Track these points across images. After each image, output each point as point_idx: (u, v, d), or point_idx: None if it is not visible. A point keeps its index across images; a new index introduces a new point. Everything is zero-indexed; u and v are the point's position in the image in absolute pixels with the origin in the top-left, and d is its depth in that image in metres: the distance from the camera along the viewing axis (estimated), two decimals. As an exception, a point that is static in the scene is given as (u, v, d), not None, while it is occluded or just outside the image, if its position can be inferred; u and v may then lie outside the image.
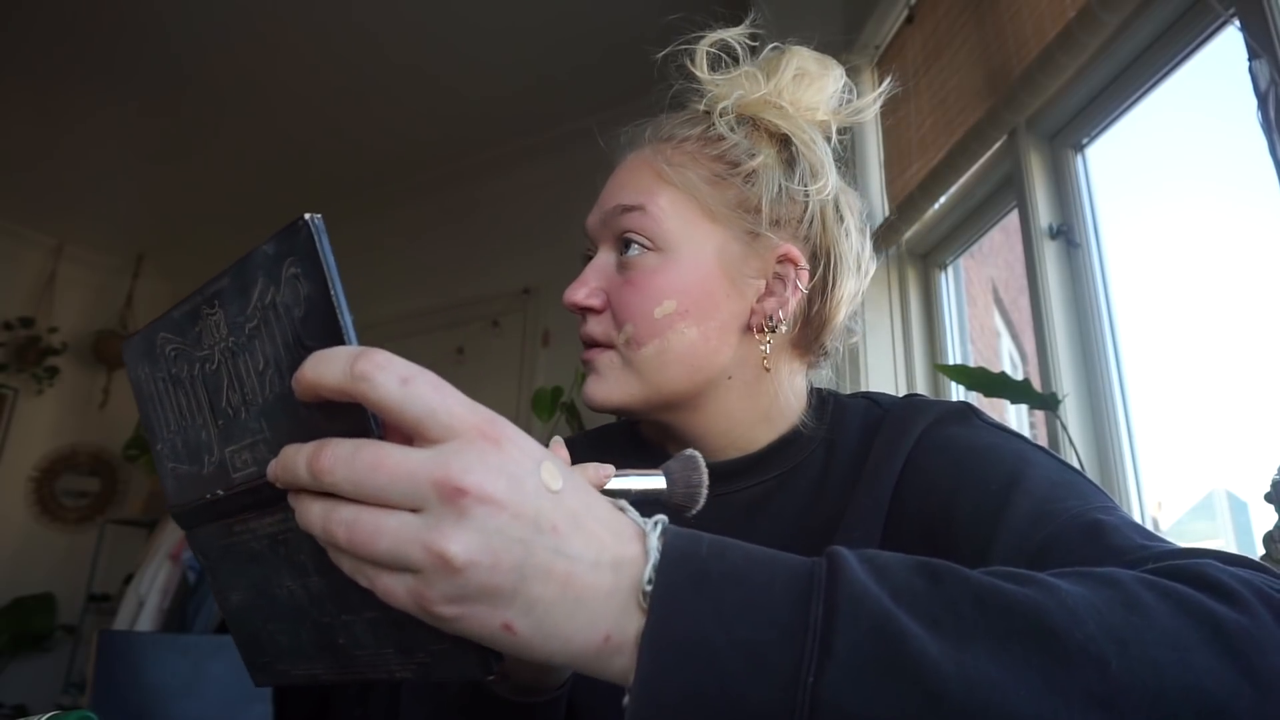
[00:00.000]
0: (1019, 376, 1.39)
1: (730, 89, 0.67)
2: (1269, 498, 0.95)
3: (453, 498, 0.31)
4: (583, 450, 0.74)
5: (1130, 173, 1.56)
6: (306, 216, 0.34)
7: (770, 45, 0.69)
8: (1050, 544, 0.46)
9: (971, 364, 1.60)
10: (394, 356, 0.32)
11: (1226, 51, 1.18)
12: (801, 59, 0.67)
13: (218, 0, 2.68)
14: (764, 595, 0.33)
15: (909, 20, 1.94)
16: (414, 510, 0.32)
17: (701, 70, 0.67)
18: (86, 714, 0.53)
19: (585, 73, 2.97)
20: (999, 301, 2.34)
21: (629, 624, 0.33)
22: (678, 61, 0.68)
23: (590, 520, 0.34)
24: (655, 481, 0.50)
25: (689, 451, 0.52)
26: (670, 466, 0.51)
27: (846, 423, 0.66)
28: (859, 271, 0.68)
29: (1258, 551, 0.96)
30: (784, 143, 0.66)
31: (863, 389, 0.71)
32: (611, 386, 0.63)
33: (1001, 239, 2.12)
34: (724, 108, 0.66)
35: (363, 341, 0.34)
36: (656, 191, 0.63)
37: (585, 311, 0.64)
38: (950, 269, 1.96)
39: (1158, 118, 1.42)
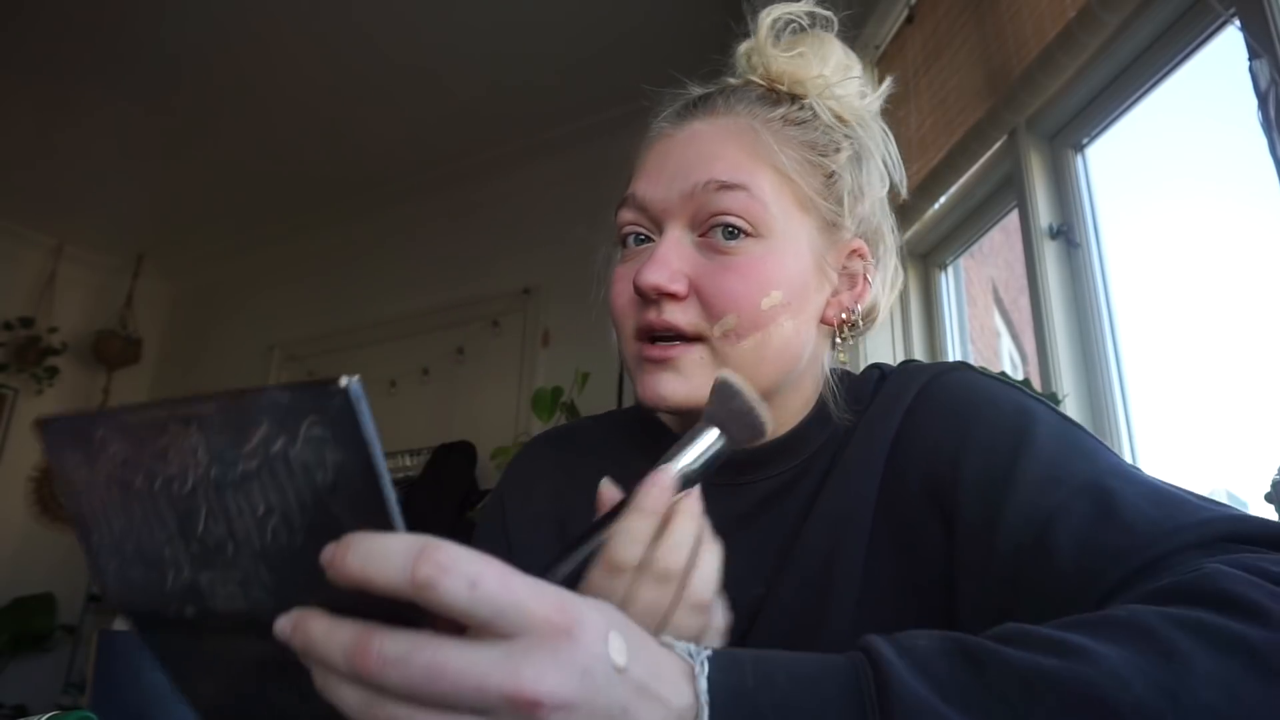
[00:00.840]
0: (1019, 376, 1.39)
1: (799, 69, 0.63)
2: (1269, 498, 0.95)
3: (527, 711, 0.29)
4: (594, 434, 0.73)
5: (1130, 173, 1.56)
6: (344, 381, 0.30)
7: (809, 29, 0.65)
8: (1059, 513, 0.46)
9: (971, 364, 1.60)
10: (456, 551, 0.30)
11: (1226, 51, 1.18)
12: (836, 51, 0.65)
13: (220, 2, 2.68)
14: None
15: (909, 20, 1.94)
16: (480, 715, 0.29)
17: (765, 47, 0.63)
18: (86, 714, 0.53)
19: (585, 73, 2.97)
20: (999, 301, 2.34)
21: None
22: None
23: (654, 684, 0.33)
24: (713, 441, 0.47)
25: (721, 381, 0.48)
26: (716, 415, 0.47)
27: (860, 397, 0.65)
28: (895, 282, 0.67)
29: (1258, 551, 0.95)
30: (852, 127, 0.63)
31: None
32: (696, 385, 0.56)
33: (1001, 239, 2.12)
34: (827, 91, 0.62)
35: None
36: (756, 171, 0.57)
37: (664, 297, 0.56)
38: (950, 269, 1.96)
39: (1158, 118, 1.41)
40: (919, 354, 1.90)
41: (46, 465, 4.14)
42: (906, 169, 0.69)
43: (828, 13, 0.65)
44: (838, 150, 0.61)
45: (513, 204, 3.48)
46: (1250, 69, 1.02)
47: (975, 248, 1.93)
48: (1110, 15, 1.25)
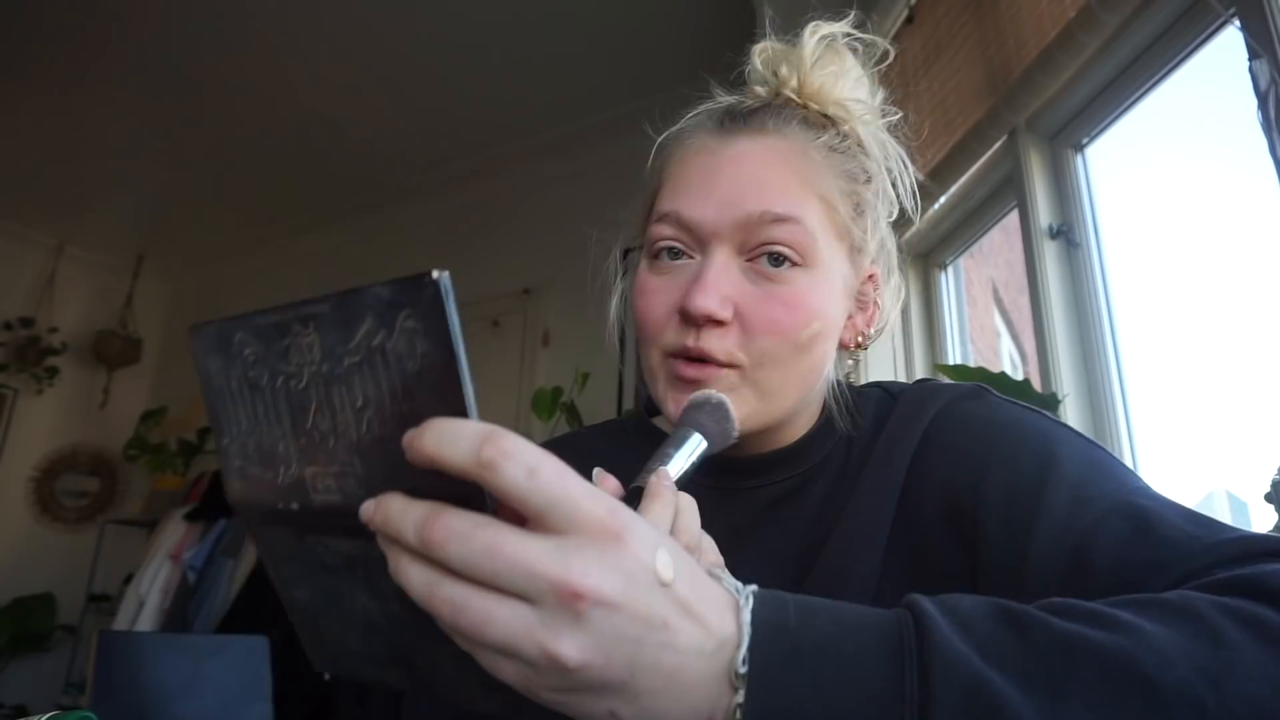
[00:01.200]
0: (1019, 376, 1.39)
1: (837, 90, 0.63)
2: (1269, 498, 0.95)
3: (570, 601, 0.30)
4: (595, 443, 0.73)
5: (1130, 173, 1.56)
6: (435, 274, 0.33)
7: (810, 26, 0.64)
8: (1093, 532, 0.45)
9: (971, 364, 1.60)
10: (521, 441, 0.32)
11: (1226, 51, 1.18)
12: (859, 70, 0.65)
13: (218, 2, 2.68)
14: (857, 666, 0.33)
15: (909, 20, 1.94)
16: (527, 600, 0.31)
17: (806, 61, 0.62)
18: (86, 714, 0.53)
19: (586, 74, 2.97)
20: (999, 301, 2.34)
21: (728, 701, 0.33)
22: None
23: (697, 605, 0.34)
24: (696, 444, 0.51)
25: (714, 399, 0.52)
26: (701, 423, 0.52)
27: (864, 410, 0.65)
28: (898, 296, 0.68)
29: (1258, 551, 0.95)
30: (879, 156, 0.64)
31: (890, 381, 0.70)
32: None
33: (1001, 239, 2.12)
34: (863, 118, 0.62)
35: None
36: (805, 201, 0.57)
37: (710, 323, 0.56)
38: (950, 269, 1.96)
39: (1158, 118, 1.41)
40: (919, 354, 1.90)
41: (47, 466, 4.14)
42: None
43: (872, 36, 0.65)
44: (869, 180, 0.62)
45: (513, 204, 3.48)
46: (1250, 69, 1.02)
47: (975, 248, 1.93)
48: (1110, 15, 1.25)
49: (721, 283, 0.56)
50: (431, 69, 3.00)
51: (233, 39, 2.86)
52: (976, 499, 0.53)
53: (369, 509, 0.34)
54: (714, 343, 0.56)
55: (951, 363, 1.84)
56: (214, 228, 4.18)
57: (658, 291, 0.59)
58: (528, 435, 0.35)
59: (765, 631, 0.34)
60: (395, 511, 0.33)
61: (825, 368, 0.61)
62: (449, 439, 0.31)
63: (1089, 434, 1.39)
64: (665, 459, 0.49)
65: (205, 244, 4.35)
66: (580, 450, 0.73)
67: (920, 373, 1.88)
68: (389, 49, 2.90)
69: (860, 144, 0.63)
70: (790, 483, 0.63)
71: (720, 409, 0.52)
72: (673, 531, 0.43)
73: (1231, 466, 1.33)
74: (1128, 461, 1.34)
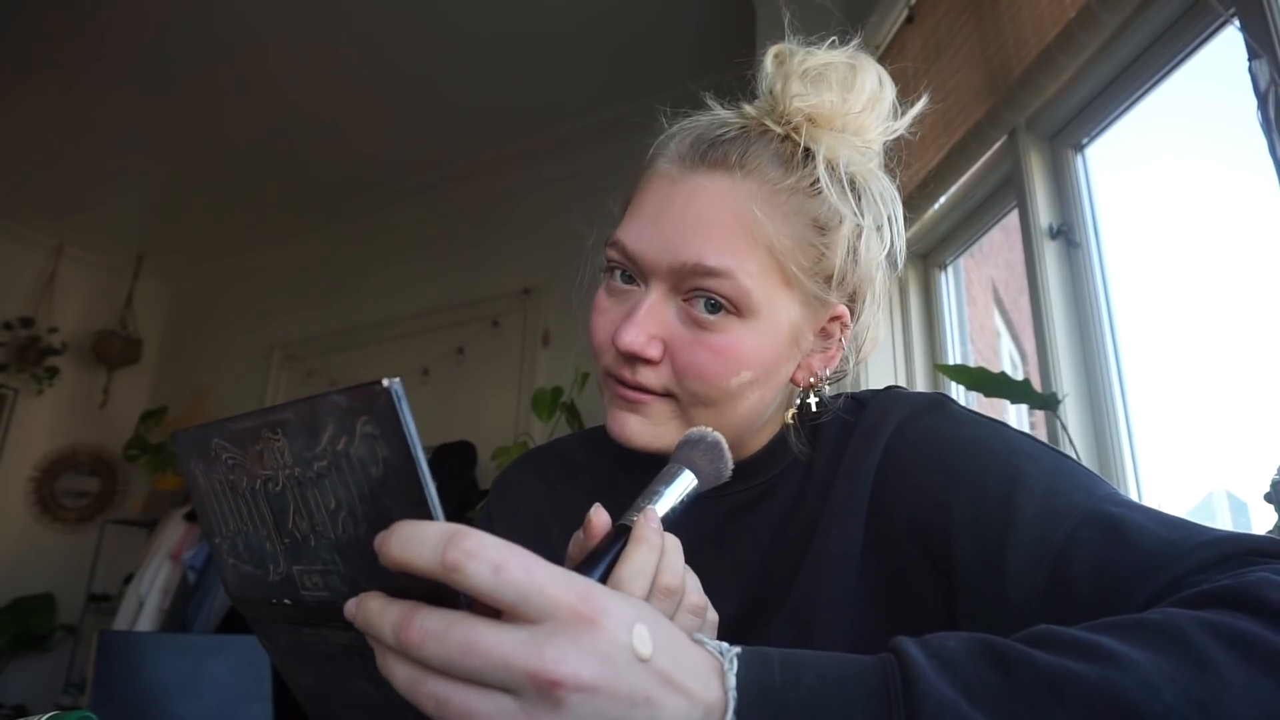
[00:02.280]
0: (1019, 376, 1.39)
1: (810, 112, 0.59)
2: (1269, 498, 0.95)
3: (548, 689, 0.31)
4: (575, 453, 0.74)
5: (1130, 173, 1.56)
6: (385, 383, 0.34)
7: (854, 44, 0.62)
8: (1069, 546, 0.45)
9: (971, 364, 1.60)
10: (483, 538, 0.32)
11: (1226, 51, 1.18)
12: (872, 78, 0.62)
13: (219, 2, 2.68)
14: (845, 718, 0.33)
15: (909, 20, 1.94)
16: (507, 691, 0.32)
17: (781, 87, 0.60)
18: (86, 714, 0.53)
19: (585, 74, 2.97)
20: (999, 301, 2.34)
21: None
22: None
23: (679, 676, 0.34)
24: (688, 483, 0.51)
25: (709, 438, 0.52)
26: (694, 460, 0.52)
27: (829, 423, 0.64)
28: (885, 290, 0.65)
29: (1258, 551, 0.95)
30: (859, 194, 0.60)
31: (864, 389, 0.70)
32: (660, 432, 0.58)
33: (1001, 239, 2.12)
34: (827, 163, 0.58)
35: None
36: (745, 254, 0.55)
37: (637, 361, 0.57)
38: (950, 269, 1.96)
39: (1158, 118, 1.41)
40: (919, 354, 1.90)
41: (47, 466, 4.14)
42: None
43: (862, 56, 0.63)
44: (840, 224, 0.58)
45: (513, 204, 3.48)
46: (1250, 69, 1.02)
47: (975, 248, 1.93)
48: (1110, 15, 1.25)
49: (649, 323, 0.56)
50: (431, 70, 3.00)
51: (232, 40, 2.86)
52: (946, 519, 0.52)
53: (350, 609, 0.35)
54: (648, 378, 0.57)
55: (951, 363, 1.84)
56: (214, 228, 4.18)
57: (605, 312, 0.60)
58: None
59: (751, 694, 0.34)
60: (374, 613, 0.34)
61: (763, 408, 0.60)
62: (415, 544, 0.32)
63: (1090, 434, 1.40)
64: (654, 497, 0.48)
65: (205, 244, 4.35)
66: (563, 462, 0.74)
67: (920, 373, 1.88)
68: (388, 50, 2.90)
69: (845, 184, 0.59)
70: (752, 492, 0.64)
71: (715, 448, 0.51)
72: (657, 574, 0.43)
73: (1231, 466, 1.33)
74: (1127, 461, 1.34)
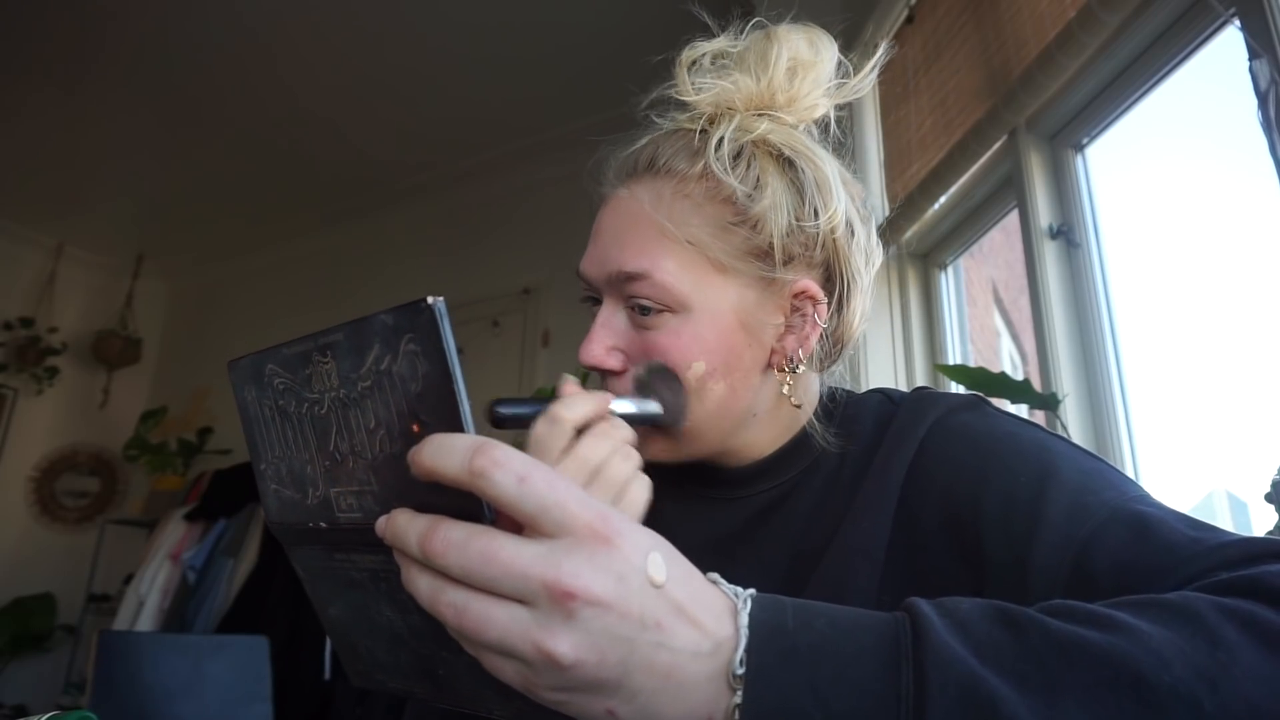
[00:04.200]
0: (1019, 376, 1.39)
1: (720, 101, 0.61)
2: (1269, 498, 0.95)
3: (562, 600, 0.32)
4: None
5: (1130, 173, 1.56)
6: (430, 300, 0.36)
7: (753, 25, 0.63)
8: (1094, 540, 0.46)
9: (971, 364, 1.60)
10: (511, 451, 0.34)
11: (1226, 51, 1.18)
12: (792, 46, 0.62)
13: (218, 2, 2.68)
14: (853, 667, 0.34)
15: (909, 20, 1.94)
16: (522, 603, 0.33)
17: (686, 87, 0.62)
18: (86, 714, 0.53)
19: (585, 74, 2.97)
20: (999, 301, 2.34)
21: (726, 702, 0.34)
22: (667, 58, 0.64)
23: (692, 608, 0.35)
24: (652, 407, 0.57)
25: (668, 370, 0.58)
26: (662, 396, 0.58)
27: (861, 419, 0.64)
28: (869, 273, 0.65)
29: (1258, 551, 0.95)
30: (788, 164, 0.60)
31: (863, 389, 0.70)
32: (653, 448, 0.60)
33: (1001, 239, 2.12)
34: (719, 140, 0.59)
35: None
36: (659, 253, 0.58)
37: (605, 373, 0.61)
38: (950, 269, 1.96)
39: (1158, 118, 1.41)
40: (919, 354, 1.90)
41: (47, 466, 4.14)
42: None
43: (780, 28, 0.63)
44: (761, 198, 0.59)
45: (513, 204, 3.48)
46: (1250, 69, 1.02)
47: (975, 248, 1.93)
48: (1110, 15, 1.25)
49: (604, 336, 0.60)
50: (430, 69, 3.00)
51: (232, 40, 2.86)
52: (976, 512, 0.53)
53: (381, 525, 0.36)
54: (619, 387, 0.60)
55: (951, 363, 1.84)
56: (214, 228, 4.18)
57: (588, 338, 0.62)
58: (528, 436, 0.35)
59: (762, 633, 0.34)
60: (401, 525, 0.35)
61: (742, 399, 0.60)
62: (444, 453, 0.34)
63: (1090, 434, 1.40)
64: (622, 399, 0.55)
65: (205, 244, 4.35)
66: None
67: (920, 373, 1.88)
68: (388, 50, 2.90)
69: (766, 154, 0.60)
70: (775, 492, 0.64)
71: (674, 383, 0.58)
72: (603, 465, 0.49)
73: (1231, 467, 1.33)
74: (1127, 461, 1.34)
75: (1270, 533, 0.94)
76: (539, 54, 2.90)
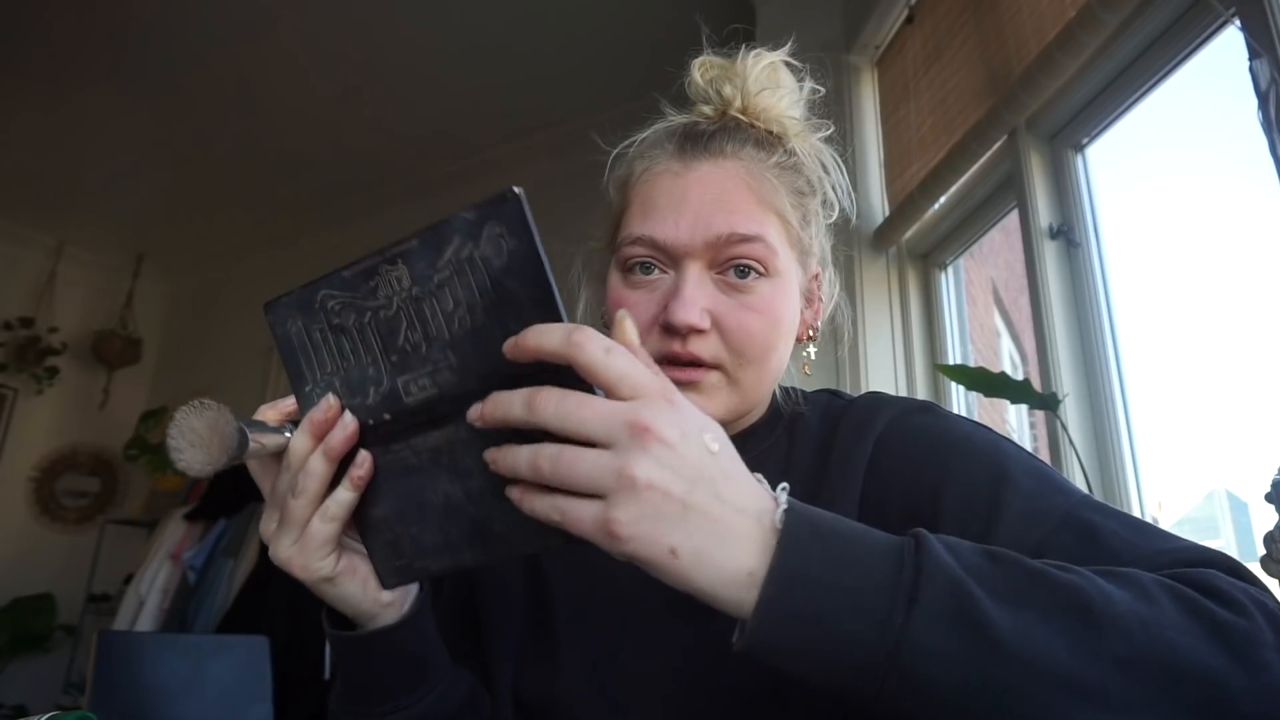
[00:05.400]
0: (1019, 376, 1.39)
1: (776, 108, 0.69)
2: (1269, 498, 0.95)
3: (640, 435, 0.39)
4: None
5: (1130, 173, 1.56)
6: (515, 189, 0.42)
7: (752, 53, 0.70)
8: (1044, 546, 0.50)
9: (971, 364, 1.60)
10: (598, 332, 0.41)
11: (1226, 51, 1.18)
12: (786, 74, 0.71)
13: (218, 3, 2.68)
14: (867, 552, 0.40)
15: (909, 20, 1.94)
16: (607, 447, 0.39)
17: (750, 87, 0.69)
18: (86, 714, 0.53)
19: (585, 74, 2.97)
20: (999, 301, 2.34)
21: (764, 561, 0.40)
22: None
23: (739, 478, 0.42)
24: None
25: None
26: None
27: (808, 411, 0.70)
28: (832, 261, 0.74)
29: (1258, 551, 0.96)
30: (825, 168, 0.71)
31: (863, 389, 0.71)
32: (717, 404, 0.63)
33: (1001, 239, 2.12)
34: (801, 134, 0.69)
35: None
36: (764, 220, 0.64)
37: (692, 332, 0.62)
38: (950, 269, 1.96)
39: (1158, 118, 1.42)
40: (919, 354, 1.90)
41: (47, 466, 4.13)
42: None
43: (800, 64, 0.72)
44: (813, 192, 0.69)
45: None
46: (1250, 69, 1.02)
47: (975, 248, 1.93)
48: (1110, 15, 1.25)
49: (699, 297, 0.62)
50: (431, 69, 3.00)
51: (232, 40, 2.86)
52: (936, 508, 0.57)
53: (475, 411, 0.43)
54: (701, 347, 0.62)
55: (951, 363, 1.84)
56: (214, 228, 4.18)
57: (635, 305, 0.64)
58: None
59: (796, 511, 0.41)
60: (503, 399, 0.42)
61: (786, 362, 0.68)
62: (546, 334, 0.41)
63: (1090, 434, 1.40)
64: None
65: (205, 244, 4.35)
66: None
67: (920, 373, 1.88)
68: (388, 49, 2.90)
69: (801, 158, 0.69)
70: None
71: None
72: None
73: (1231, 466, 1.33)
74: (1127, 461, 1.34)
75: (1270, 533, 0.94)
76: (539, 54, 2.90)
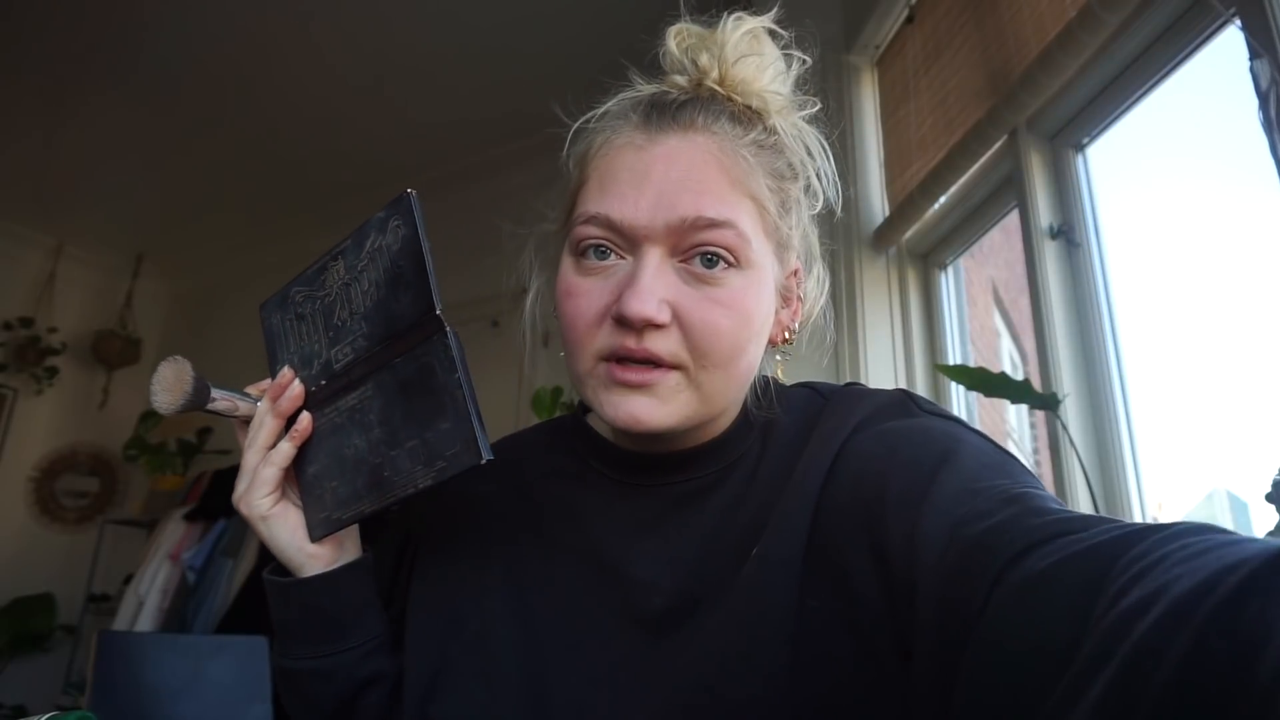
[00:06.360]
0: (1019, 376, 1.39)
1: (756, 79, 0.61)
2: (1269, 498, 0.95)
3: None
4: (536, 444, 0.74)
5: (1130, 173, 1.56)
6: (409, 191, 0.54)
7: (732, 17, 0.62)
8: (970, 515, 0.44)
9: (971, 364, 1.60)
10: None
11: (1226, 51, 1.18)
12: (769, 44, 0.63)
13: (217, 2, 2.68)
14: None
15: (909, 20, 1.94)
16: None
17: (728, 54, 0.61)
18: (86, 714, 0.53)
19: (585, 73, 2.96)
20: (999, 301, 2.34)
21: None
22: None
23: None
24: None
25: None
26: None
27: (785, 411, 0.63)
28: (818, 258, 0.66)
29: (1258, 551, 0.95)
30: (808, 149, 0.63)
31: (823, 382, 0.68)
32: (673, 410, 0.56)
33: (1001, 239, 2.12)
34: (783, 111, 0.61)
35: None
36: (737, 204, 0.56)
37: (649, 327, 0.54)
38: (950, 269, 1.96)
39: (1158, 118, 1.41)
40: (919, 354, 1.89)
41: (46, 467, 4.13)
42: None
43: (785, 32, 0.64)
44: (795, 176, 0.61)
45: (512, 204, 3.47)
46: (1250, 69, 1.02)
47: (975, 248, 1.93)
48: (1110, 15, 1.25)
49: (656, 287, 0.54)
50: (430, 69, 3.00)
51: (232, 40, 2.86)
52: (881, 504, 0.50)
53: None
54: (659, 344, 0.54)
55: (951, 363, 1.84)
56: (214, 228, 4.18)
57: (586, 294, 0.57)
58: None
59: None
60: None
61: (757, 365, 0.60)
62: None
63: (1090, 434, 1.40)
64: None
65: (205, 244, 4.35)
66: (521, 448, 0.74)
67: (920, 373, 1.88)
68: (388, 49, 2.90)
69: (783, 137, 0.61)
70: (704, 480, 0.61)
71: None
72: None
73: (1232, 466, 1.33)
74: (1128, 461, 1.34)
75: (1270, 533, 0.94)
76: (539, 53, 2.90)
